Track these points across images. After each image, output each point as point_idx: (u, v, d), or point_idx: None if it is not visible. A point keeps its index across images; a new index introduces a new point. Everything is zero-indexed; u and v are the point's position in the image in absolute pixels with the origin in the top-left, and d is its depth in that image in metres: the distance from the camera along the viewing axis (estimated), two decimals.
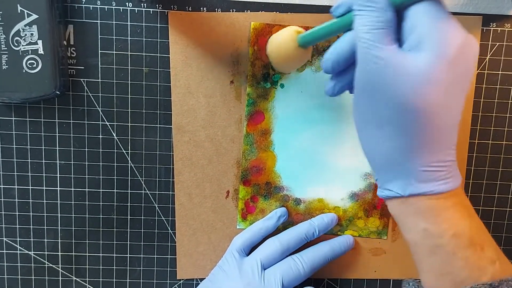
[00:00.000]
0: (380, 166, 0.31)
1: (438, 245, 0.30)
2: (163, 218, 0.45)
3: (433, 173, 0.29)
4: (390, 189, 0.31)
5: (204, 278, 0.44)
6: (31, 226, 0.44)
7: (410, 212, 0.31)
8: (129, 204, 0.44)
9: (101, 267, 0.45)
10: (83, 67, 0.42)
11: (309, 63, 0.42)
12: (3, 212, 0.44)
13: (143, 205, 0.45)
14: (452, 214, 0.29)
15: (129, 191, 0.44)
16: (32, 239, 0.45)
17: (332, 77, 0.34)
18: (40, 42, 0.39)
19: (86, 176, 0.44)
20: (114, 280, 0.46)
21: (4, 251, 0.45)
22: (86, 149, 0.43)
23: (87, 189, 0.44)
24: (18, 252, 0.45)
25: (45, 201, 0.44)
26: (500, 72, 0.43)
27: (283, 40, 0.37)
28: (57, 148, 0.43)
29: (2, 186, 0.44)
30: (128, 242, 0.45)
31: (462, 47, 0.27)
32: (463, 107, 0.30)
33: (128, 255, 0.45)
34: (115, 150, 0.43)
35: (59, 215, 0.44)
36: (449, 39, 0.27)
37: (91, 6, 0.41)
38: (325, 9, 0.41)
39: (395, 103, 0.28)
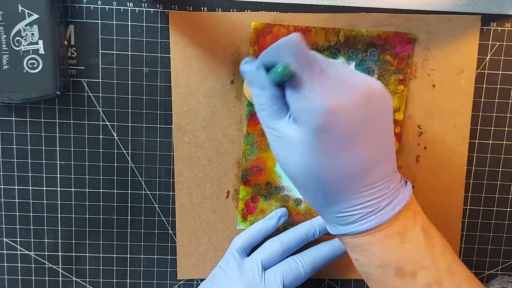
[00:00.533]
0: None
1: (368, 273, 0.33)
2: (163, 218, 0.45)
3: (348, 217, 0.31)
4: (326, 228, 0.35)
5: (205, 279, 0.44)
6: (31, 227, 0.44)
7: (345, 246, 0.34)
8: (129, 204, 0.44)
9: (101, 267, 0.45)
10: (83, 67, 0.42)
11: None
12: (3, 213, 0.44)
13: (143, 205, 0.44)
14: (379, 248, 0.31)
15: (129, 191, 0.44)
16: (32, 240, 0.45)
17: None
18: (40, 42, 0.39)
19: (87, 177, 0.44)
20: (115, 280, 0.46)
21: (5, 251, 0.45)
22: (87, 150, 0.43)
23: (87, 190, 0.44)
24: (19, 252, 0.45)
25: (45, 201, 0.44)
26: (500, 72, 0.43)
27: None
28: (58, 148, 0.43)
29: (2, 187, 0.44)
30: (128, 243, 0.45)
31: (335, 112, 0.28)
32: (376, 151, 0.30)
33: (128, 256, 0.45)
34: (116, 151, 0.43)
35: (59, 215, 0.44)
36: (316, 111, 0.28)
37: (91, 6, 0.41)
38: (325, 9, 0.41)
39: (288, 169, 0.32)
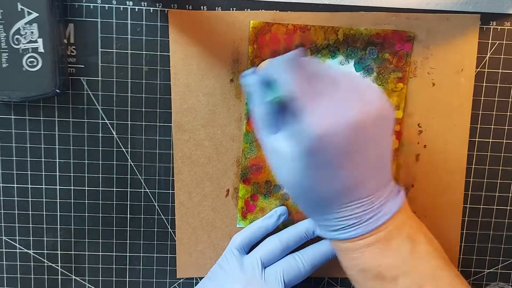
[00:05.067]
0: None
1: (350, 275, 0.35)
2: (162, 216, 0.45)
3: (332, 226, 0.33)
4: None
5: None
6: (31, 225, 0.44)
7: (332, 246, 0.37)
8: (128, 202, 0.44)
9: (100, 266, 0.45)
10: (83, 66, 0.42)
11: None
12: (2, 211, 0.44)
13: (142, 203, 0.44)
14: (359, 254, 0.33)
15: (128, 189, 0.44)
16: (31, 238, 0.45)
17: None
18: (40, 40, 0.39)
19: (86, 175, 0.44)
20: (114, 279, 0.46)
21: (3, 250, 0.45)
22: (86, 148, 0.43)
23: (86, 188, 0.44)
24: (17, 251, 0.45)
25: (44, 199, 0.44)
26: (500, 71, 0.43)
27: None
28: (57, 146, 0.43)
29: (1, 185, 0.44)
30: (128, 241, 0.45)
31: (325, 138, 0.29)
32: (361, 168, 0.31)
33: (127, 254, 0.45)
34: (115, 149, 0.43)
35: (58, 213, 0.44)
36: (307, 135, 0.29)
37: (91, 4, 0.41)
38: (324, 8, 0.41)
39: (280, 179, 0.33)
